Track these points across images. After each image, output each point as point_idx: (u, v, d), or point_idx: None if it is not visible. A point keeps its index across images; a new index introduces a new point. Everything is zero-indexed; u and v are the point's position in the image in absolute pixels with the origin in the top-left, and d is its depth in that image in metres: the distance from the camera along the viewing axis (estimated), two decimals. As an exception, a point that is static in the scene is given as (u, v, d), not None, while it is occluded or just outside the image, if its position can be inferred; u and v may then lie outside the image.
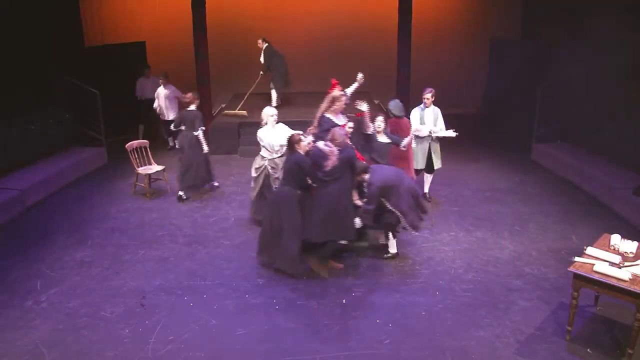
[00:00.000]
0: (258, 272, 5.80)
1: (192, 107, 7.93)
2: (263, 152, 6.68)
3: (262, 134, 6.66)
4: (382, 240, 6.26)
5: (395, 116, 6.99)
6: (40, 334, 4.74)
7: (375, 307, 5.13)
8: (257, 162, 6.72)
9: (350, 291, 5.38)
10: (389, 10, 11.25)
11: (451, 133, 7.17)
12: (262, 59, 10.41)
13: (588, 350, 4.49)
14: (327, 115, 6.20)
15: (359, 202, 5.69)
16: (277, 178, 6.50)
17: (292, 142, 5.63)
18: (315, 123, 6.26)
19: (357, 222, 5.74)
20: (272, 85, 10.66)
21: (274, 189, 6.35)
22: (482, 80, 12.70)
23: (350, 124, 6.28)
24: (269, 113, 6.69)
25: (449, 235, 6.62)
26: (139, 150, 8.10)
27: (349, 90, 6.59)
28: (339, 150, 5.45)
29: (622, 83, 8.42)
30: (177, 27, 11.80)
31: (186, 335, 4.70)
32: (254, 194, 6.80)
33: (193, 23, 10.77)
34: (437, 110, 7.30)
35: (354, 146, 6.02)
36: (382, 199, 5.61)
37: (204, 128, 7.89)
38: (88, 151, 9.60)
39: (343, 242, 5.72)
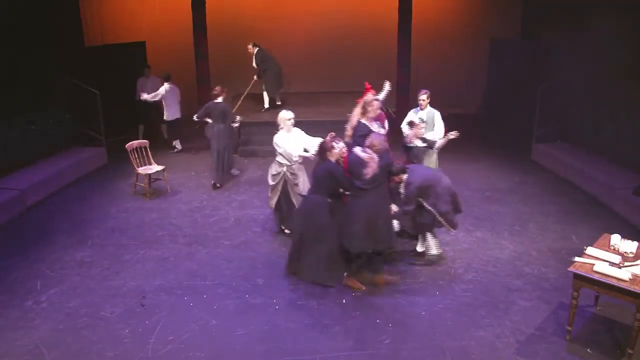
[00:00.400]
0: (258, 272, 5.80)
1: (220, 99, 7.94)
2: (279, 159, 6.24)
3: (278, 139, 6.21)
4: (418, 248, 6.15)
5: None
6: (40, 334, 4.74)
7: (375, 307, 5.13)
8: (274, 169, 6.30)
9: (350, 291, 5.38)
10: (389, 10, 11.28)
11: (439, 141, 6.68)
12: (254, 64, 10.36)
13: (588, 350, 4.49)
14: (363, 121, 6.03)
15: (394, 209, 5.51)
16: (296, 184, 6.22)
17: (323, 149, 5.31)
18: (350, 130, 6.05)
19: (395, 225, 5.65)
20: (263, 88, 10.62)
21: (301, 197, 5.97)
22: (482, 80, 12.70)
23: (383, 130, 6.09)
24: (285, 117, 6.22)
25: (449, 235, 6.59)
26: (139, 150, 8.10)
27: (380, 97, 6.47)
28: (378, 157, 5.12)
29: (622, 83, 8.43)
30: (177, 27, 11.83)
31: (186, 335, 4.70)
32: (272, 203, 6.44)
33: (193, 23, 10.81)
34: (434, 112, 6.88)
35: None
36: (420, 199, 5.53)
37: (239, 118, 7.95)
38: (88, 151, 9.59)
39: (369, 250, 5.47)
